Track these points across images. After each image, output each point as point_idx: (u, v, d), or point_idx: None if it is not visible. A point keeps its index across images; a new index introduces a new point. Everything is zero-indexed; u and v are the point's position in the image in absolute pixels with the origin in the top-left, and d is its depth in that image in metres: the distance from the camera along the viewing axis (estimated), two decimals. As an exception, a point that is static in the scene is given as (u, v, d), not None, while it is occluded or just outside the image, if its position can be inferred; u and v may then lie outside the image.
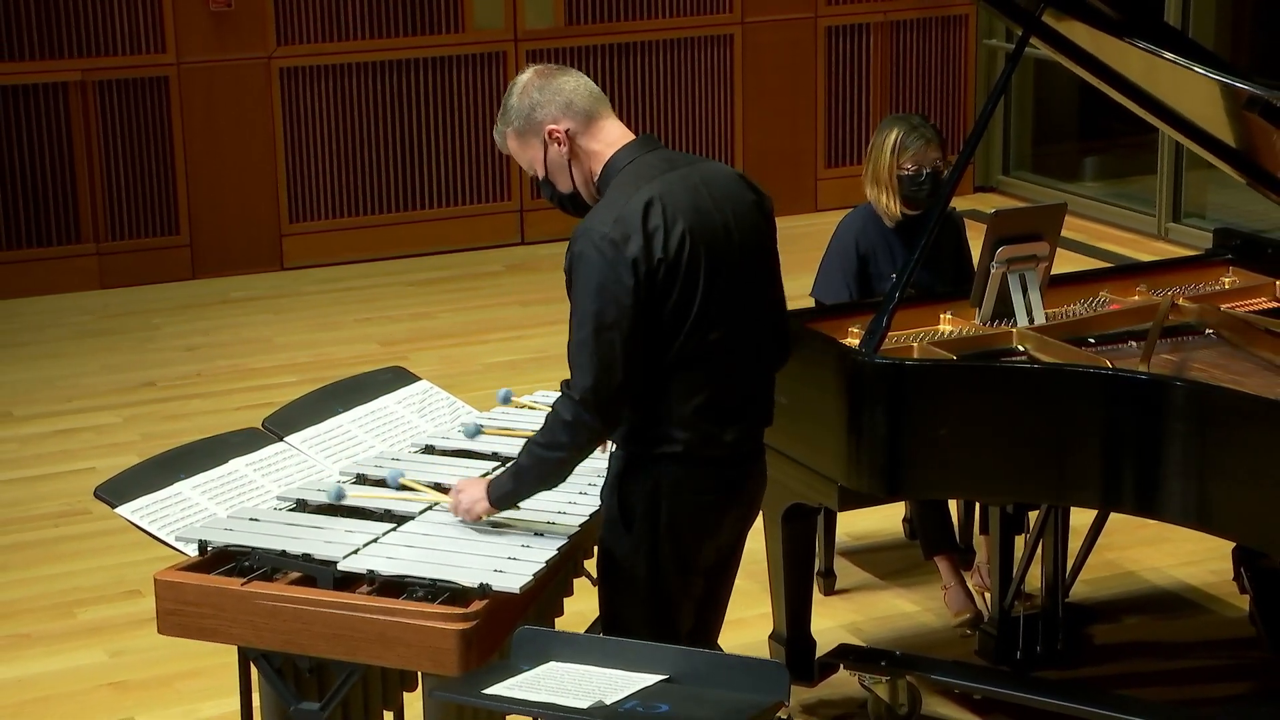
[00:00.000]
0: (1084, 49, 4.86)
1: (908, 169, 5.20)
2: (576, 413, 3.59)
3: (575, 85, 3.75)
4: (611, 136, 3.76)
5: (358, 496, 3.95)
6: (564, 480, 3.73)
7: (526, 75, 3.79)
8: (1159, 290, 5.07)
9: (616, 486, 3.73)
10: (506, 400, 4.51)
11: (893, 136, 5.23)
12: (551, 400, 4.53)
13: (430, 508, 3.88)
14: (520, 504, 3.76)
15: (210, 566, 3.66)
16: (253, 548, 3.66)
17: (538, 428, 3.69)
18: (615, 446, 3.77)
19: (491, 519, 3.78)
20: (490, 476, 3.79)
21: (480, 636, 3.44)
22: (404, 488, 3.98)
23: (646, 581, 3.74)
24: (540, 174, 3.80)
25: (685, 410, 3.66)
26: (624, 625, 3.76)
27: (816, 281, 5.31)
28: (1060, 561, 4.99)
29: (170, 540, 3.77)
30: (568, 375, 3.63)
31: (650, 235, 3.58)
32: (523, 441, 3.80)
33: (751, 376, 3.78)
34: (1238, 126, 4.72)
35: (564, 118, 3.72)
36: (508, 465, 3.78)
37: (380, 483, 4.03)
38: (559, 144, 3.74)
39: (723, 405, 3.71)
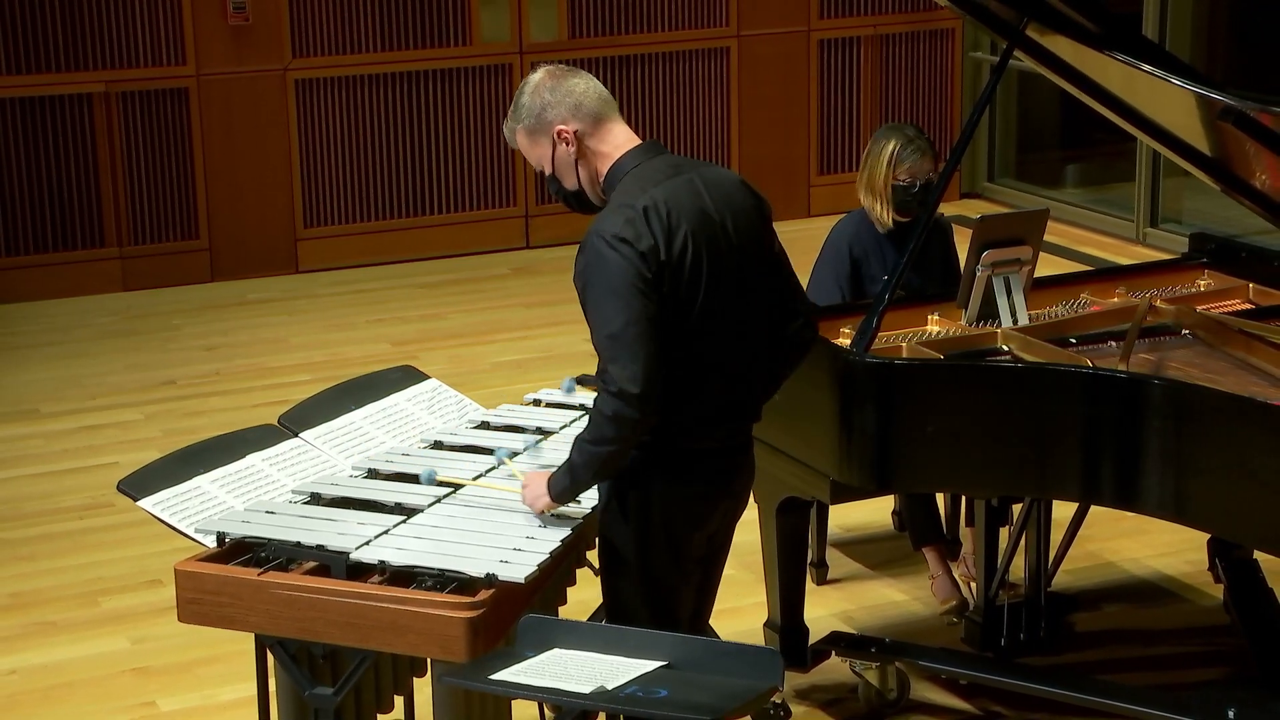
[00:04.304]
0: (1066, 61, 4.87)
1: (902, 180, 5.24)
2: (617, 407, 3.59)
3: (585, 88, 3.78)
4: (618, 139, 3.79)
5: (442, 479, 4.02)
6: (616, 472, 3.72)
7: (539, 75, 3.81)
8: (1137, 292, 5.09)
9: (613, 479, 3.76)
10: (572, 389, 4.50)
11: (890, 148, 5.25)
12: (553, 397, 4.59)
13: (439, 500, 3.92)
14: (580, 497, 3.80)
15: (228, 557, 3.71)
16: (269, 539, 3.70)
17: (535, 425, 3.74)
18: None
19: (497, 512, 3.83)
20: (551, 472, 3.79)
21: (487, 624, 3.48)
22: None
23: (645, 569, 3.77)
24: (547, 171, 3.83)
25: (681, 408, 3.70)
26: (626, 612, 3.80)
27: (810, 284, 5.31)
28: (1043, 552, 5.00)
29: (190, 532, 3.82)
30: (571, 373, 3.64)
31: (656, 238, 3.61)
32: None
33: (746, 376, 3.82)
34: (1213, 136, 4.74)
35: (573, 119, 3.76)
36: (564, 462, 3.76)
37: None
38: (567, 144, 3.77)
39: (717, 404, 3.76)
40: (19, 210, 8.89)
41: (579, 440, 3.71)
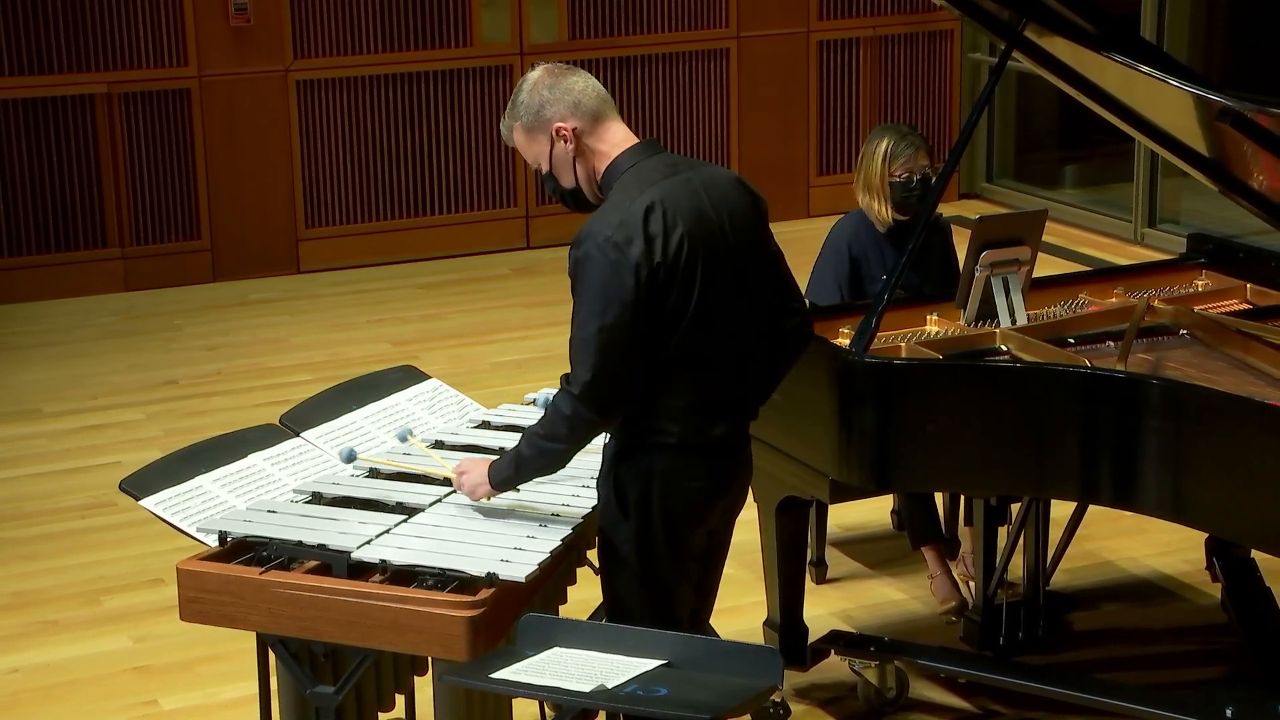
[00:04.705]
0: (1064, 62, 4.87)
1: (899, 176, 5.27)
2: (575, 407, 3.64)
3: (584, 86, 3.80)
4: (616, 138, 3.80)
5: (368, 461, 4.10)
6: (562, 468, 3.78)
7: (536, 73, 3.83)
8: (1135, 292, 5.09)
9: (611, 474, 3.79)
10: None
11: (884, 145, 5.29)
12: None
13: (440, 500, 3.94)
14: (519, 488, 3.84)
15: (230, 556, 3.72)
16: (270, 538, 3.72)
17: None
18: (609, 436, 3.81)
19: (498, 511, 3.85)
20: (492, 460, 3.84)
21: (488, 623, 3.50)
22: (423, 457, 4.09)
23: (644, 566, 3.78)
24: (544, 168, 3.84)
25: (678, 404, 3.72)
26: (626, 609, 3.82)
27: (810, 283, 5.33)
28: (1041, 551, 5.01)
29: (192, 531, 3.83)
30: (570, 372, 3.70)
31: (651, 239, 3.63)
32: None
33: (743, 373, 3.83)
34: (1210, 136, 4.74)
35: (572, 117, 3.77)
36: (508, 451, 3.83)
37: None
38: (565, 141, 3.78)
39: (714, 400, 3.77)
40: (21, 210, 8.92)
41: (531, 433, 3.75)
